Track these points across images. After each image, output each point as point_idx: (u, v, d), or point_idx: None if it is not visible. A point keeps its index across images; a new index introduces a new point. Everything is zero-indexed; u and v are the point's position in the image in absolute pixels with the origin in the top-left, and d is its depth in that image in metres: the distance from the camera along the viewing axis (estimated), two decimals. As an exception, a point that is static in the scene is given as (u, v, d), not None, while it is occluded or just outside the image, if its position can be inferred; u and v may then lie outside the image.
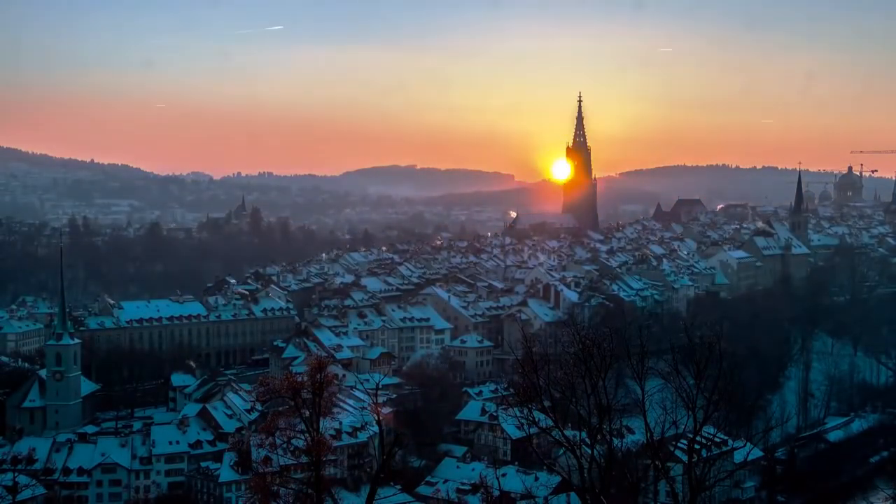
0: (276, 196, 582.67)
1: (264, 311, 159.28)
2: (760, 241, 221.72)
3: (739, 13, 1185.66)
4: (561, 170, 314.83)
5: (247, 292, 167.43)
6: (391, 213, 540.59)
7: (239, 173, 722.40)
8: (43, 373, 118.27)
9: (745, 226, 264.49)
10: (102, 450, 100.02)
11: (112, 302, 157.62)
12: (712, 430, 65.93)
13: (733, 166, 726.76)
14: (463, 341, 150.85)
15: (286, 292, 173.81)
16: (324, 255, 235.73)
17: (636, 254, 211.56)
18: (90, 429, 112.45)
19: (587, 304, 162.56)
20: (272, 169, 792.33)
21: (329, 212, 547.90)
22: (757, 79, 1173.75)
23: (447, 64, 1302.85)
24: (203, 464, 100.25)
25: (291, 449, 59.80)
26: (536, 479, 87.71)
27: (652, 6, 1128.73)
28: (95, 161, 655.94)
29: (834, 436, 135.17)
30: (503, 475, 78.61)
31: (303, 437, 47.08)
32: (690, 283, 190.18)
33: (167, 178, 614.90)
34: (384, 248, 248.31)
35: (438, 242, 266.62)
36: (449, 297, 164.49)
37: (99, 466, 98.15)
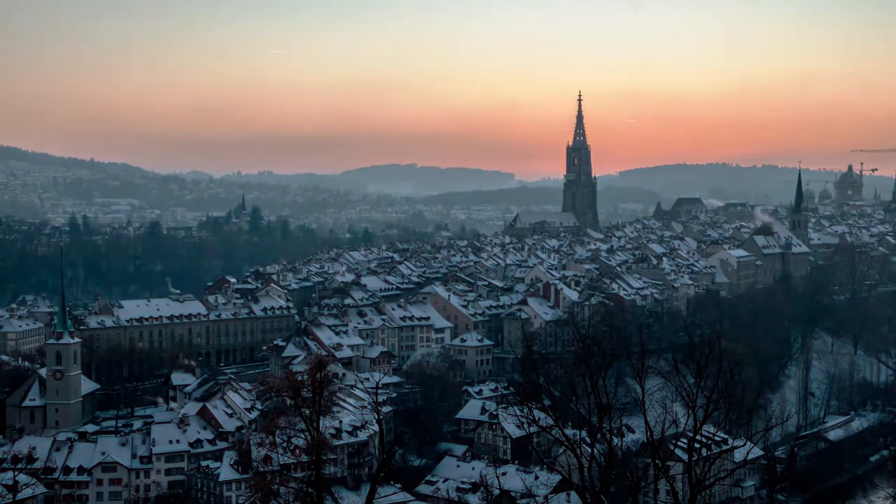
0: (276, 195, 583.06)
1: (264, 309, 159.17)
2: (760, 240, 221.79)
3: (740, 11, 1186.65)
4: (561, 168, 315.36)
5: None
6: (391, 212, 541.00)
7: (239, 172, 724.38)
8: (43, 372, 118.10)
9: (744, 224, 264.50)
10: (102, 449, 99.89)
11: (112, 301, 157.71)
12: (712, 429, 65.86)
13: (733, 165, 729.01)
14: (463, 340, 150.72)
15: (286, 291, 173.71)
16: (324, 253, 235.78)
17: (636, 252, 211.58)
18: (90, 428, 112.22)
19: (587, 302, 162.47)
20: (272, 168, 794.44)
21: (329, 211, 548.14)
22: (758, 77, 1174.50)
23: (447, 62, 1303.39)
24: (203, 463, 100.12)
25: (291, 448, 60.02)
26: (536, 477, 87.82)
27: (652, 4, 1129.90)
28: (95, 160, 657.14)
29: (834, 435, 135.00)
30: (503, 474, 78.94)
31: (303, 436, 47.17)
32: (690, 282, 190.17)
33: (167, 176, 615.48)
34: (384, 247, 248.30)
35: (439, 241, 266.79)
36: (449, 295, 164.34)
37: (99, 465, 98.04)
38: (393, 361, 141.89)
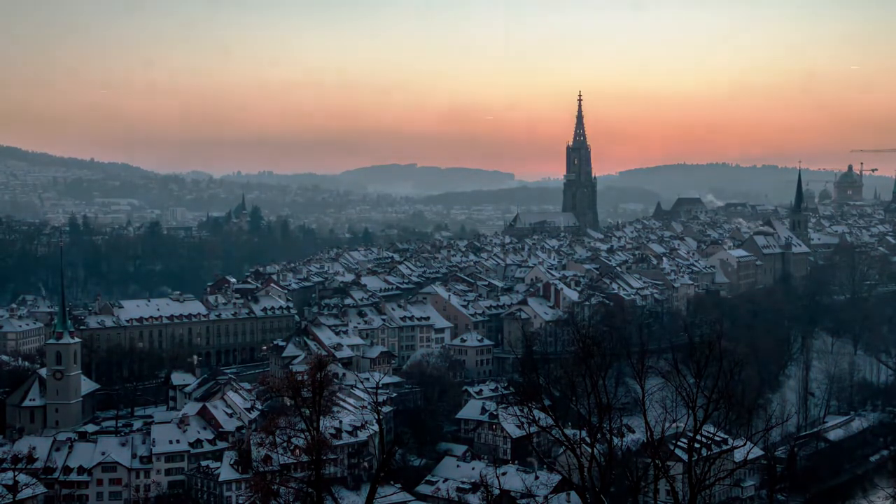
0: (276, 195, 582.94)
1: (264, 309, 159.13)
2: (760, 240, 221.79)
3: (740, 11, 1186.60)
4: (561, 168, 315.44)
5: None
6: (391, 212, 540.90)
7: (239, 172, 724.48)
8: (43, 372, 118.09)
9: (745, 224, 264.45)
10: (103, 449, 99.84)
11: (112, 301, 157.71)
12: (712, 429, 65.94)
13: (733, 165, 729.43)
14: (463, 340, 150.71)
15: (286, 291, 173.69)
16: (324, 253, 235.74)
17: (636, 252, 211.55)
18: (90, 428, 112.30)
19: (587, 302, 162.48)
20: (272, 168, 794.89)
21: (329, 210, 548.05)
22: (758, 77, 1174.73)
23: (447, 62, 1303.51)
24: (203, 463, 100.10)
25: (292, 448, 59.97)
26: (536, 477, 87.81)
27: (652, 4, 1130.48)
28: (95, 160, 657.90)
29: (834, 435, 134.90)
30: (503, 474, 78.80)
31: (303, 436, 47.17)
32: (690, 282, 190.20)
33: (167, 176, 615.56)
34: (384, 247, 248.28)
35: (439, 241, 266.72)
36: (449, 295, 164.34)
37: (99, 465, 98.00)
38: (393, 361, 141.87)
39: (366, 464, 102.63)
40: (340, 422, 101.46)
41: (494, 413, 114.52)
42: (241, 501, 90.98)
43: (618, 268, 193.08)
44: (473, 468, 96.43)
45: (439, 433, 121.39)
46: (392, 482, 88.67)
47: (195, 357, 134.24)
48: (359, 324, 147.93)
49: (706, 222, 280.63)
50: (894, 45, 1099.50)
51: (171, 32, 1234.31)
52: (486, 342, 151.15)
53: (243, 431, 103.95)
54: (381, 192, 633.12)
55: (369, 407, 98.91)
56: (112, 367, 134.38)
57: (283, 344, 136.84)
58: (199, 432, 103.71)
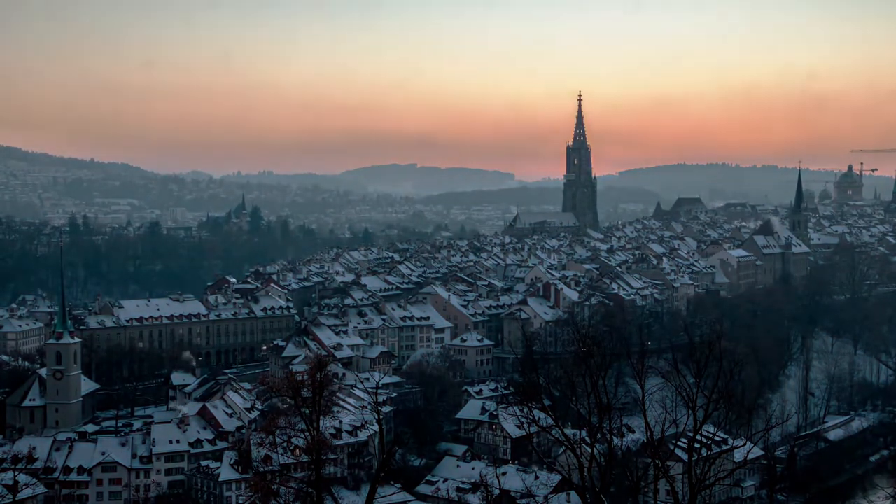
0: (276, 195, 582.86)
1: (264, 309, 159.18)
2: (760, 240, 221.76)
3: (740, 11, 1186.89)
4: (561, 168, 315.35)
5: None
6: (391, 212, 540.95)
7: (239, 172, 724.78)
8: (43, 372, 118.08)
9: (744, 224, 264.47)
10: (103, 449, 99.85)
11: (112, 301, 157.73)
12: (712, 429, 65.93)
13: (733, 165, 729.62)
14: (463, 340, 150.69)
15: (286, 291, 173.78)
16: (324, 253, 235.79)
17: (636, 252, 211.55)
18: (90, 428, 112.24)
19: (587, 302, 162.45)
20: (272, 168, 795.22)
21: (329, 210, 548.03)
22: (758, 77, 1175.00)
23: (447, 62, 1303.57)
24: (203, 463, 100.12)
25: (292, 448, 59.99)
26: (536, 477, 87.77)
27: (652, 4, 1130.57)
28: (95, 160, 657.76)
29: (834, 435, 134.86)
30: (503, 474, 78.74)
31: (303, 436, 47.19)
32: (690, 282, 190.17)
33: (167, 176, 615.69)
34: (384, 247, 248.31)
35: (439, 241, 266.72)
36: (449, 295, 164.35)
37: (99, 465, 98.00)
38: (393, 361, 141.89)
39: (366, 465, 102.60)
40: (340, 422, 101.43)
41: (494, 413, 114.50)
42: (241, 501, 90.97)
43: (618, 268, 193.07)
44: (473, 468, 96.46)
45: (439, 433, 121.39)
46: (392, 482, 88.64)
47: (193, 360, 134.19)
48: (359, 324, 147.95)
49: (706, 222, 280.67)
50: (894, 45, 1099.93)
51: (171, 32, 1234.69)
52: (486, 342, 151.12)
53: (243, 431, 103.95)
54: (381, 192, 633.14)
55: (369, 407, 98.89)
56: (112, 367, 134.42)
57: (283, 344, 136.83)
58: (199, 432, 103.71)
